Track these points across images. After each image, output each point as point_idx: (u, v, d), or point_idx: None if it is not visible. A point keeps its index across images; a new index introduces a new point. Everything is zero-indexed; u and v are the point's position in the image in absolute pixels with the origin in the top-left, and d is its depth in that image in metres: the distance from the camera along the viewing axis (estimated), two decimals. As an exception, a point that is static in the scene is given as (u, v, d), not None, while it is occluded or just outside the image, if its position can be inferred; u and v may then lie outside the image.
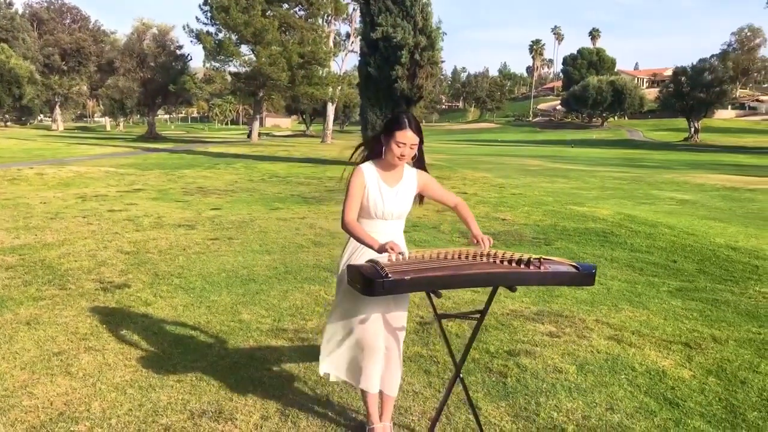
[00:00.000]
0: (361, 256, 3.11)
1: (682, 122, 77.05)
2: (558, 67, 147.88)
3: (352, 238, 3.18)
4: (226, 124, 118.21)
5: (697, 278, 6.92)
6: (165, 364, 4.19)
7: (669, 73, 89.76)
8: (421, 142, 3.18)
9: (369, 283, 2.72)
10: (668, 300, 6.01)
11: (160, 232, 9.09)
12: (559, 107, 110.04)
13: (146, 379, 3.95)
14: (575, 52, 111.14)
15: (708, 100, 67.20)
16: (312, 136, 70.55)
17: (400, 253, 2.88)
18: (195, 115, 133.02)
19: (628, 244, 8.71)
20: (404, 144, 3.10)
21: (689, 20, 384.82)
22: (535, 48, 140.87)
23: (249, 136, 53.92)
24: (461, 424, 3.43)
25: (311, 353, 4.45)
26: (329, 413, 3.55)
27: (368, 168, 3.18)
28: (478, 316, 3.09)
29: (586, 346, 4.69)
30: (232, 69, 47.62)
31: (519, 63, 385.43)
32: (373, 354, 3.11)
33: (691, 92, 67.43)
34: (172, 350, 4.47)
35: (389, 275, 2.69)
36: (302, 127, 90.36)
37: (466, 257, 2.97)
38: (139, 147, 37.78)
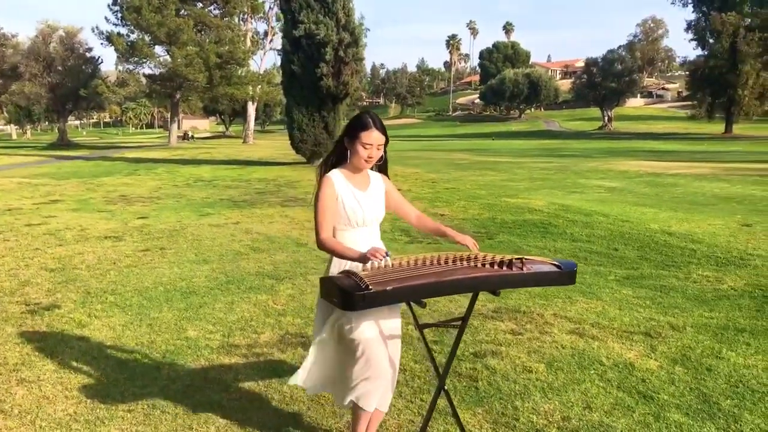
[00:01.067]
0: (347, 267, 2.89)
1: (595, 111, 79.79)
2: (474, 61, 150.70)
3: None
4: (141, 128, 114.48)
5: (641, 265, 7.01)
6: (111, 393, 3.83)
7: (581, 64, 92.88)
8: (387, 143, 2.99)
9: (348, 297, 2.50)
10: (618, 289, 6.04)
11: (86, 245, 8.53)
12: (477, 101, 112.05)
13: (92, 411, 3.60)
14: (491, 46, 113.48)
15: (619, 90, 69.90)
16: (232, 137, 69.14)
17: (385, 255, 2.68)
18: (108, 120, 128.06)
19: (568, 234, 8.78)
20: (371, 145, 2.90)
21: (598, 12, 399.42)
22: (452, 43, 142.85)
23: (186, 137, 52.26)
24: (441, 435, 3.26)
25: (269, 370, 4.20)
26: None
27: (336, 176, 2.96)
28: (459, 323, 2.93)
29: (550, 343, 4.62)
30: (147, 71, 46.03)
31: (436, 58, 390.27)
32: (382, 375, 2.88)
33: (603, 82, 69.96)
34: (116, 376, 4.12)
35: (370, 286, 2.49)
36: (221, 128, 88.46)
37: (446, 262, 2.80)
38: (51, 155, 35.94)
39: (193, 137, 62.00)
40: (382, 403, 3.01)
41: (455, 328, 2.95)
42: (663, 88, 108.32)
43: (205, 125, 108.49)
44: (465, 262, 2.80)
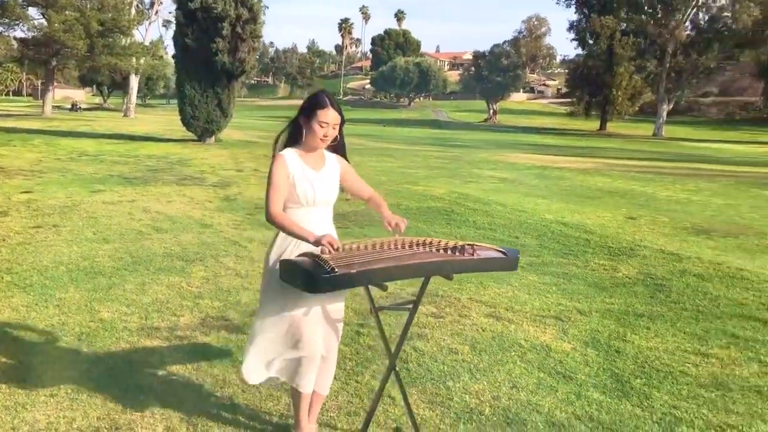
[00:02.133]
0: (294, 249, 2.87)
1: (481, 104, 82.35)
2: (366, 46, 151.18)
3: (280, 232, 2.92)
4: (7, 94, 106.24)
5: (542, 253, 7.38)
6: (28, 378, 3.62)
7: (468, 56, 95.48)
8: (342, 123, 3.00)
9: (312, 279, 2.51)
10: (525, 275, 6.33)
11: (-32, 220, 7.90)
12: (368, 86, 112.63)
13: (10, 397, 3.38)
14: (383, 33, 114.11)
15: (504, 84, 72.54)
16: (111, 110, 65.62)
17: (336, 249, 2.69)
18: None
19: (471, 221, 9.09)
20: (327, 124, 2.90)
21: (486, 6, 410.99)
22: (345, 26, 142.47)
23: (74, 108, 48.71)
24: (380, 416, 3.33)
25: (196, 353, 4.11)
26: (240, 417, 3.27)
27: (290, 154, 2.93)
28: (411, 306, 3.00)
29: (470, 325, 4.80)
30: (19, 34, 42.72)
31: (327, 41, 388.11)
32: (313, 355, 2.90)
33: (490, 76, 72.30)
34: (30, 360, 3.89)
35: (335, 269, 2.50)
36: (97, 99, 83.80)
37: (403, 246, 2.86)
38: None
39: (80, 108, 58.23)
40: (321, 386, 3.03)
41: (405, 311, 3.02)
42: (544, 85, 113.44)
43: (80, 96, 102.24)
44: (421, 248, 2.87)
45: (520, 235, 8.27)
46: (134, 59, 45.05)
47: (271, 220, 2.84)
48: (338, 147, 3.07)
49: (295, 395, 3.00)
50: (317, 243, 2.71)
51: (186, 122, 21.82)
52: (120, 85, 61.70)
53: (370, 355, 4.16)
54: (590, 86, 61.04)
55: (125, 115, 49.38)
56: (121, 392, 3.48)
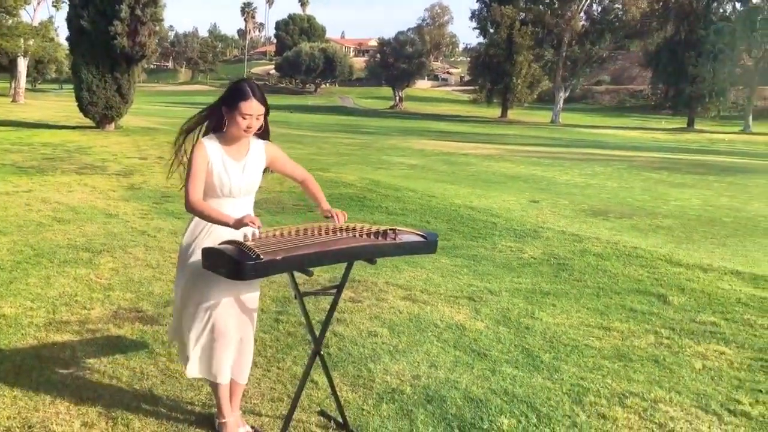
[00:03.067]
0: (210, 236, 2.85)
1: (387, 91, 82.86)
2: (270, 31, 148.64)
3: (195, 218, 2.90)
4: None
5: (452, 237, 7.59)
6: (-73, 379, 3.42)
7: (373, 43, 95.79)
8: (267, 112, 2.98)
9: (238, 266, 2.51)
10: (437, 258, 6.49)
11: None
12: (273, 72, 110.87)
13: None
14: (287, 18, 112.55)
15: (409, 71, 73.27)
16: (-3, 95, 61.56)
17: (258, 227, 2.70)
18: None
19: (383, 207, 9.21)
20: (250, 115, 2.87)
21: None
22: (247, 11, 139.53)
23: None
24: (304, 400, 3.36)
25: (110, 346, 4.00)
26: (162, 409, 3.23)
27: (210, 142, 2.90)
28: (335, 291, 3.05)
29: (387, 309, 4.90)
30: None
31: (229, 25, 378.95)
32: (226, 343, 2.90)
33: (395, 63, 72.81)
34: (-73, 360, 3.66)
35: (261, 256, 2.52)
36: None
37: (326, 232, 2.90)
38: None
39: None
40: (238, 375, 3.02)
41: (329, 296, 3.07)
42: (447, 72, 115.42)
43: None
44: (345, 233, 2.92)
45: (431, 220, 8.46)
46: (22, 40, 42.47)
47: (189, 207, 2.81)
48: (263, 135, 3.06)
49: (214, 386, 3.00)
50: (239, 224, 2.71)
51: (83, 108, 20.79)
52: (6, 68, 58.00)
53: (291, 341, 4.19)
54: (492, 74, 62.66)
55: (13, 101, 46.49)
56: (32, 390, 3.35)
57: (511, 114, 63.15)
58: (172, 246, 6.52)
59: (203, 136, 2.95)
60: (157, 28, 20.35)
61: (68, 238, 6.65)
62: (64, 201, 8.75)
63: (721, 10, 54.38)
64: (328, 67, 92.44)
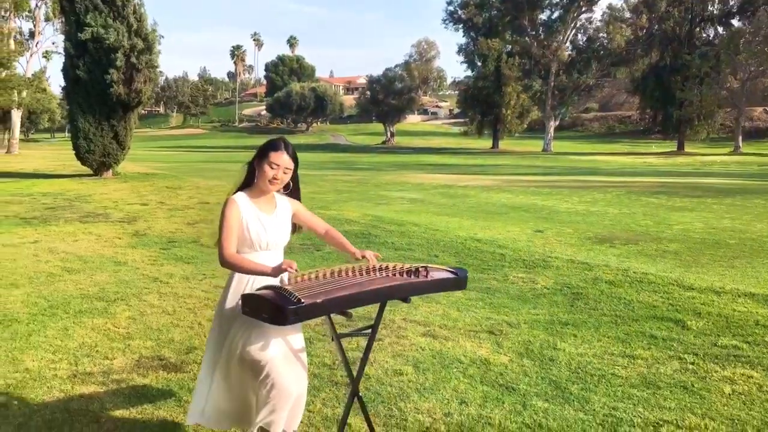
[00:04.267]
0: (251, 286, 2.89)
1: (378, 126, 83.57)
2: (260, 72, 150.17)
3: (235, 276, 2.95)
4: None
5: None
6: (-42, 438, 3.39)
7: (362, 80, 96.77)
8: (296, 169, 3.06)
9: (280, 311, 2.53)
10: (451, 293, 6.51)
11: None
12: (264, 112, 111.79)
13: (-57, 460, 3.16)
14: (276, 59, 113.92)
15: (399, 106, 74.01)
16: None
17: (295, 270, 2.74)
18: None
19: (390, 243, 9.23)
20: (278, 166, 2.95)
21: (376, 32, 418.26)
22: (237, 54, 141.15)
23: None
24: (340, 443, 3.35)
25: (136, 396, 3.98)
26: (198, 458, 3.21)
27: (241, 198, 2.97)
28: (369, 332, 3.07)
29: (409, 346, 4.89)
30: None
31: (219, 68, 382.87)
32: (287, 399, 2.90)
33: (385, 99, 73.58)
34: (-44, 419, 3.63)
35: (302, 300, 2.54)
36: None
37: (360, 273, 2.93)
38: None
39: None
40: (290, 424, 3.04)
41: (365, 336, 3.09)
42: (437, 106, 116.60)
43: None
44: (378, 273, 2.95)
45: (439, 254, 8.48)
46: (16, 93, 42.75)
47: (225, 261, 2.86)
48: (292, 192, 3.13)
49: None
50: (277, 272, 2.74)
51: (81, 156, 20.89)
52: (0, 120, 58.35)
53: (318, 383, 4.17)
54: (481, 106, 63.36)
55: (8, 152, 46.64)
56: (66, 444, 3.33)
57: (503, 144, 63.68)
58: (185, 291, 6.52)
59: (233, 193, 3.00)
60: (152, 74, 20.55)
61: (80, 288, 6.64)
62: (71, 250, 8.74)
63: (704, 35, 55.38)
64: (319, 106, 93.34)
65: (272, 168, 2.93)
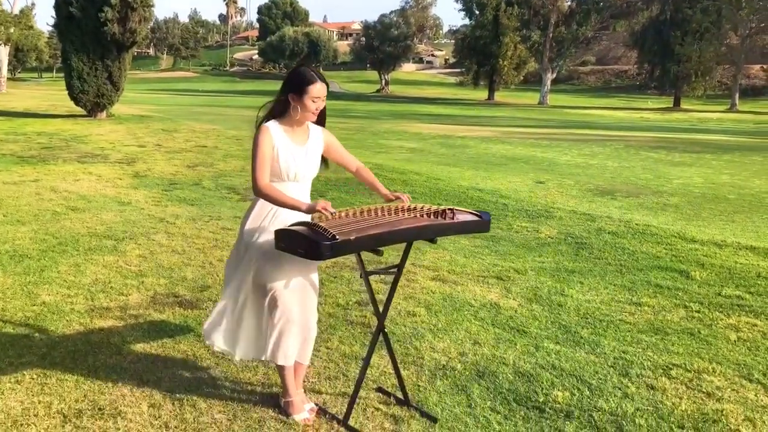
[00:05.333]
0: (277, 219, 2.91)
1: (372, 74, 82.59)
2: (252, 16, 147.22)
3: (259, 202, 2.95)
4: None
5: (466, 218, 7.65)
6: (-17, 366, 3.45)
7: (356, 26, 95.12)
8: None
9: (315, 246, 2.56)
10: (457, 240, 6.57)
11: None
12: (256, 57, 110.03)
13: (-28, 387, 3.22)
14: (269, 2, 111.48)
15: (395, 54, 72.95)
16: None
17: (331, 213, 2.76)
18: None
19: (392, 190, 9.22)
20: (319, 98, 2.94)
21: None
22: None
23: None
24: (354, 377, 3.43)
25: (155, 331, 4.05)
26: (223, 391, 3.28)
27: (274, 126, 2.95)
28: (395, 271, 3.12)
29: (420, 289, 4.97)
30: None
31: (209, 10, 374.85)
32: (292, 328, 2.96)
33: (381, 46, 72.47)
34: (-22, 348, 3.69)
35: (336, 236, 2.57)
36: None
37: (389, 213, 2.96)
38: None
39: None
40: (302, 356, 3.09)
41: (390, 275, 3.14)
42: (432, 55, 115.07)
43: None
44: (406, 213, 2.98)
45: (442, 202, 8.51)
46: (2, 29, 41.78)
47: (259, 192, 2.86)
48: (319, 120, 3.11)
49: (280, 367, 3.05)
50: (311, 210, 2.77)
51: (74, 97, 20.55)
52: (-15, 58, 57.08)
53: (333, 322, 4.25)
54: (478, 56, 62.55)
55: (-4, 90, 45.82)
56: (92, 374, 3.39)
57: (498, 96, 63.18)
58: (192, 232, 6.55)
59: (266, 121, 2.98)
60: (147, 14, 20.10)
61: (87, 227, 6.65)
62: (73, 190, 8.72)
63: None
64: (313, 52, 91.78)
65: (314, 102, 2.92)
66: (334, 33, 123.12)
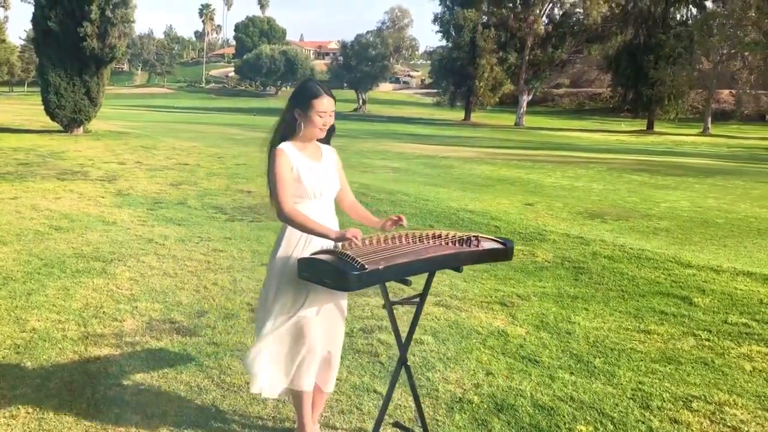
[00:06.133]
0: (308, 246, 2.78)
1: (349, 93, 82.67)
2: (228, 33, 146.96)
3: (287, 228, 2.81)
4: None
5: (460, 241, 7.56)
6: (-24, 399, 3.24)
7: (333, 45, 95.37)
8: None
9: (343, 277, 2.44)
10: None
11: None
12: (232, 74, 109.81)
13: (-35, 423, 3.02)
14: (247, 20, 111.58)
15: (373, 74, 73.26)
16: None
17: (360, 240, 2.64)
18: None
19: (382, 212, 9.12)
20: (325, 112, 2.83)
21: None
22: (206, 13, 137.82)
23: None
24: (373, 412, 3.29)
25: (154, 359, 3.88)
26: (234, 426, 3.12)
27: (288, 147, 2.83)
28: (418, 300, 3.00)
29: (423, 315, 4.82)
30: None
31: (185, 27, 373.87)
32: (313, 352, 2.82)
33: (358, 66, 72.73)
34: (-32, 380, 3.47)
35: (366, 266, 2.45)
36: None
37: (414, 240, 2.84)
38: None
39: None
40: (324, 381, 2.97)
41: (413, 305, 3.02)
42: (409, 75, 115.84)
43: None
44: (432, 240, 2.87)
45: (434, 224, 8.43)
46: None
47: (285, 218, 2.73)
48: (328, 130, 2.99)
49: (296, 396, 2.91)
50: (341, 239, 2.64)
51: (50, 112, 20.21)
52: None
53: (342, 353, 4.09)
54: (455, 77, 62.97)
55: (-34, 104, 45.05)
56: (91, 408, 3.21)
57: (475, 117, 63.60)
58: (183, 254, 6.36)
59: (278, 143, 2.86)
60: (127, 29, 19.91)
61: (73, 247, 6.43)
62: (55, 208, 8.46)
63: (678, 15, 55.76)
64: (289, 70, 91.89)
65: (320, 117, 2.81)
66: (311, 52, 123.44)
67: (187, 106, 70.12)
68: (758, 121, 61.68)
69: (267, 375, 2.83)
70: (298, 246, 2.79)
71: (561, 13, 59.37)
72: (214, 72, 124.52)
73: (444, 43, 66.54)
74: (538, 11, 57.89)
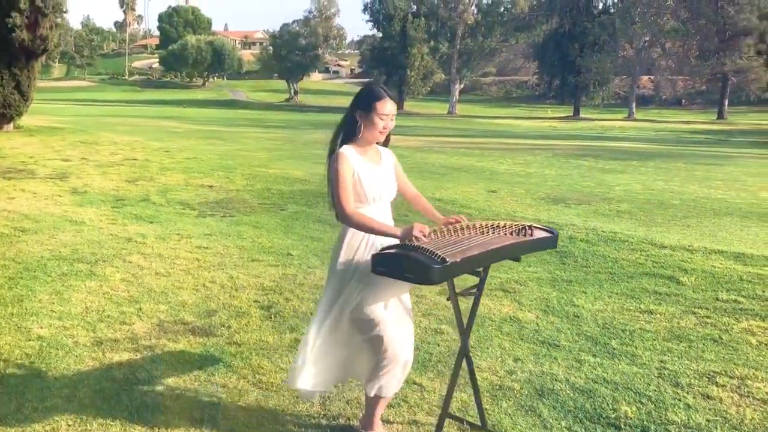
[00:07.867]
0: (372, 249, 2.76)
1: (279, 84, 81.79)
2: (151, 23, 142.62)
3: (349, 231, 2.79)
4: None
5: (438, 230, 7.62)
6: (3, 419, 3.07)
7: (259, 35, 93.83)
8: None
9: (427, 271, 2.44)
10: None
11: None
12: (156, 65, 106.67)
13: (7, 439, 2.86)
14: (170, 9, 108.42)
15: (304, 64, 72.56)
16: None
17: (426, 236, 2.64)
18: None
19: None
20: (386, 115, 2.83)
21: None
22: (127, 2, 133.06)
23: None
24: (422, 405, 3.30)
25: (180, 362, 3.79)
26: (290, 426, 3.07)
27: (349, 151, 2.83)
28: (475, 291, 3.03)
29: (433, 304, 4.89)
30: None
31: (104, 17, 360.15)
32: (397, 360, 2.82)
33: (288, 55, 71.88)
34: (-8, 394, 3.29)
35: (446, 259, 2.45)
36: None
37: (476, 232, 2.86)
38: None
39: None
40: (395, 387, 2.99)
41: (471, 295, 3.05)
42: (338, 65, 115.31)
43: None
44: (493, 231, 2.89)
45: (408, 213, 8.44)
46: None
47: (347, 220, 2.72)
48: (387, 138, 3.00)
49: (372, 399, 2.92)
50: (407, 235, 2.63)
51: (-24, 107, 19.11)
52: None
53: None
54: (387, 66, 63.25)
55: None
56: (133, 416, 3.09)
57: (407, 106, 63.97)
58: (168, 252, 6.18)
59: (339, 147, 2.85)
60: (60, 20, 19.03)
61: (49, 249, 6.14)
62: (12, 209, 8.05)
63: (601, 4, 57.65)
64: (217, 60, 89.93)
65: (382, 119, 2.81)
66: (237, 42, 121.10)
67: (112, 99, 67.69)
68: (675, 105, 64.59)
69: (318, 371, 2.83)
70: (360, 249, 2.80)
71: (489, 2, 60.28)
72: (137, 63, 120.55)
73: (375, 32, 66.69)
74: (467, 0, 58.61)
